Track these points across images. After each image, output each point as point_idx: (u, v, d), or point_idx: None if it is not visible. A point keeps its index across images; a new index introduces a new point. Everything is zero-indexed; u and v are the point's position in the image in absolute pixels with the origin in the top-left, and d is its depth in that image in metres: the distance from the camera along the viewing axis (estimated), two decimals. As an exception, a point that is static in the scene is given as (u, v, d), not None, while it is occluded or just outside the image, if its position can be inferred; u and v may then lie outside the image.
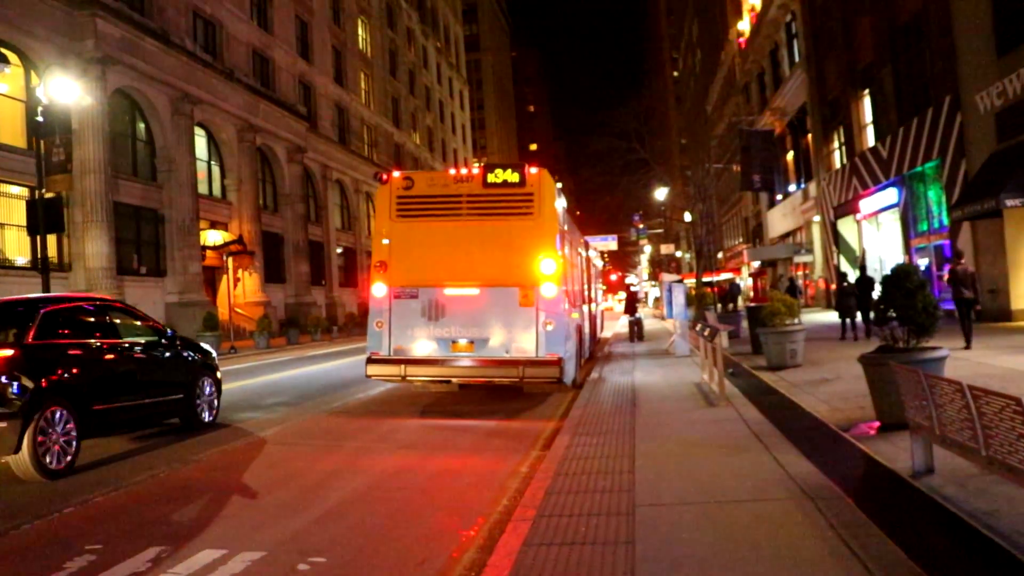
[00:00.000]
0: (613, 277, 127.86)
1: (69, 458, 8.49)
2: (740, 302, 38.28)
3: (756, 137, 39.29)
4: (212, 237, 40.12)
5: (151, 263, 35.87)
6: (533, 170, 12.01)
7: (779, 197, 45.53)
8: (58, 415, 8.38)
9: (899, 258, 30.10)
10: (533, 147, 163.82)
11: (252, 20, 45.08)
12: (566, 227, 13.84)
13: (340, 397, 14.57)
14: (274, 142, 45.61)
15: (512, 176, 11.80)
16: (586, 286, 19.32)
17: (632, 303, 32.86)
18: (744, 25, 50.77)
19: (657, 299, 77.37)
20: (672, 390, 12.44)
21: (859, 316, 19.32)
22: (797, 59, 38.62)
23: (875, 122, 29.81)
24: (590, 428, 9.09)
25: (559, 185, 12.64)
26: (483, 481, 7.39)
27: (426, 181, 12.45)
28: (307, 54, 52.19)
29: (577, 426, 9.31)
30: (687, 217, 68.34)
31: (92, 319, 9.84)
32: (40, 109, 21.50)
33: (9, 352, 8.09)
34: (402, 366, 11.85)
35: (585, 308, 18.13)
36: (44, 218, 21.55)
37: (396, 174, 12.48)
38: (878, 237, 31.71)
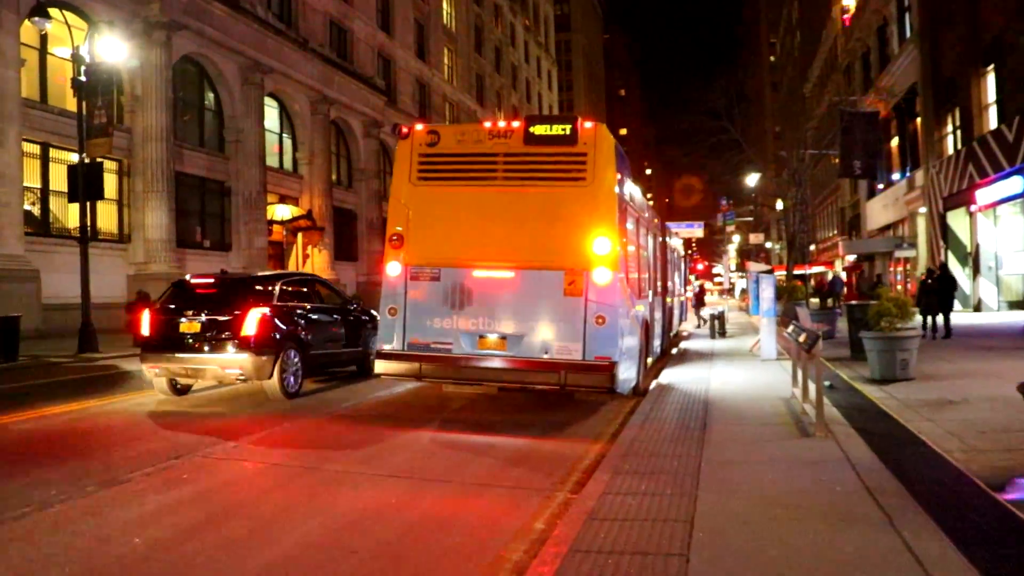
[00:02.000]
0: (700, 267, 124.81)
1: (298, 386, 12.15)
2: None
3: (859, 119, 35.93)
4: (280, 212, 38.94)
5: (215, 236, 34.83)
6: (588, 124, 9.69)
7: (880, 186, 42.19)
8: (292, 354, 11.96)
9: (1021, 256, 26.97)
10: (623, 131, 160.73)
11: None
12: (630, 199, 11.56)
13: (363, 392, 12.76)
14: (350, 115, 44.20)
15: (561, 129, 9.52)
16: (659, 273, 16.96)
17: (700, 297, 31.15)
18: (849, 1, 47.40)
19: (744, 291, 74.12)
20: (754, 407, 10.05)
21: (940, 316, 19.03)
22: (908, 34, 35.38)
23: (999, 102, 26.60)
24: (641, 463, 6.89)
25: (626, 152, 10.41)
26: (474, 543, 5.26)
27: (455, 136, 10.29)
28: (388, 27, 50.62)
29: (625, 456, 7.12)
30: (779, 205, 65.03)
31: (306, 290, 13.53)
32: (84, 68, 20.20)
33: (266, 310, 11.60)
34: (418, 364, 9.86)
35: (657, 299, 15.82)
36: (84, 184, 20.27)
37: (419, 127, 10.36)
38: (995, 232, 28.49)
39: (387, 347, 10.06)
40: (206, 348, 11.30)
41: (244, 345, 11.19)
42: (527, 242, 9.62)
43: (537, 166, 9.67)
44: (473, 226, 9.87)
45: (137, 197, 29.70)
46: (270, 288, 12.17)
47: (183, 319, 11.51)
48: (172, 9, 29.96)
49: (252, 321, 11.31)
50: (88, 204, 27.25)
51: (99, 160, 21.43)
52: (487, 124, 10.08)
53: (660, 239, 17.44)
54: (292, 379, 11.92)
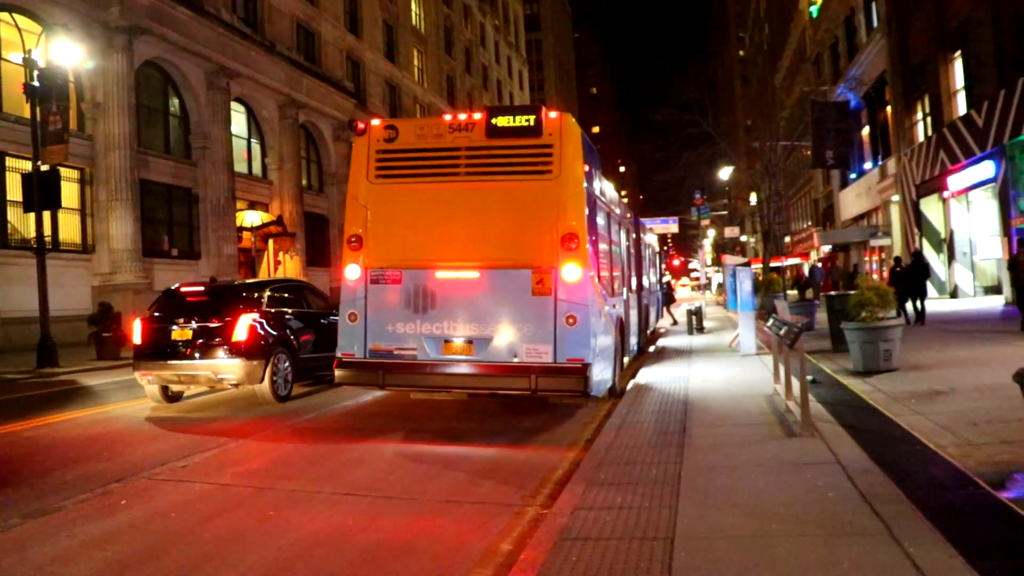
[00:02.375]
0: (676, 263, 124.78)
1: (288, 390, 12.36)
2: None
3: (829, 109, 35.80)
4: (250, 218, 38.13)
5: (184, 245, 34.03)
6: (553, 114, 9.17)
7: (852, 176, 42.09)
8: (282, 359, 12.20)
9: (994, 241, 26.80)
10: (596, 129, 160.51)
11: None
12: (601, 192, 11.07)
13: (348, 394, 12.32)
14: (319, 119, 43.48)
15: (524, 121, 8.98)
16: (634, 270, 16.47)
17: (670, 294, 30.98)
18: (817, -9, 47.35)
19: (720, 285, 74.01)
20: (736, 405, 9.61)
21: (909, 304, 19.19)
22: (876, 23, 35.23)
23: (968, 88, 26.38)
24: (617, 472, 6.43)
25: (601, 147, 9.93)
26: (435, 570, 4.78)
27: (414, 130, 9.65)
28: (356, 29, 49.96)
29: (600, 465, 6.66)
30: (752, 199, 65.03)
31: (294, 296, 13.80)
32: (36, 73, 19.53)
33: (256, 316, 11.84)
34: (380, 372, 9.29)
35: (632, 297, 15.35)
36: (40, 193, 19.59)
37: (376, 122, 9.79)
38: (968, 218, 28.32)
39: (347, 355, 9.49)
40: (198, 354, 11.51)
41: (235, 351, 11.46)
42: (493, 240, 9.14)
43: (501, 160, 9.17)
44: (435, 225, 9.37)
45: (101, 206, 28.89)
46: (259, 295, 12.53)
47: (174, 327, 11.74)
48: (133, 13, 29.14)
49: (242, 327, 11.58)
50: (50, 214, 26.80)
51: (55, 167, 20.68)
52: (447, 117, 9.53)
53: (634, 235, 16.99)
54: (283, 383, 12.20)
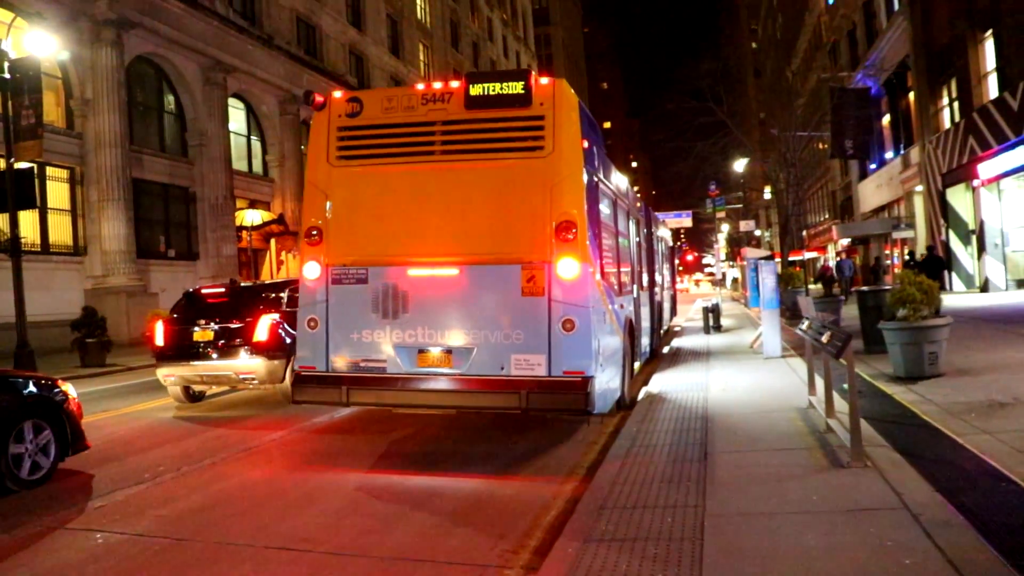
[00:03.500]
0: (689, 258, 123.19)
1: None
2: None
3: (849, 96, 34.34)
4: (251, 217, 37.00)
5: (181, 246, 32.93)
6: (544, 80, 7.74)
7: (872, 167, 40.58)
8: None
9: (1030, 231, 25.37)
10: (607, 124, 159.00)
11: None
12: (603, 174, 9.48)
13: (298, 419, 10.83)
14: (320, 115, 42.32)
15: (511, 88, 7.57)
16: (646, 264, 15.04)
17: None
18: (833, -24, 45.85)
19: (735, 280, 72.31)
20: (765, 422, 8.20)
21: None
22: (897, 5, 33.73)
23: (1000, 68, 24.92)
24: (622, 521, 5.10)
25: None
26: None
27: (381, 103, 8.19)
28: (359, 23, 48.71)
29: (602, 509, 5.34)
30: (767, 194, 63.42)
31: None
32: (7, 65, 18.35)
33: (276, 316, 11.85)
34: (343, 389, 7.89)
35: (643, 295, 13.94)
36: (13, 191, 18.42)
37: (338, 94, 8.38)
38: (999, 207, 26.81)
39: (306, 368, 8.10)
40: (219, 355, 11.68)
41: (257, 350, 11.56)
42: (474, 230, 7.79)
43: (484, 135, 7.81)
44: (407, 213, 8.00)
45: (92, 207, 27.86)
46: (279, 295, 12.59)
47: (196, 328, 11.89)
48: (122, 6, 28.04)
49: (264, 327, 11.67)
50: (38, 214, 25.86)
51: (30, 165, 19.53)
52: (420, 86, 8.10)
53: (645, 227, 15.61)
54: None
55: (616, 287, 9.88)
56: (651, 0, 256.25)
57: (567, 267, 7.43)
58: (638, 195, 15.88)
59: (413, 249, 7.94)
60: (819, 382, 8.20)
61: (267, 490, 7.04)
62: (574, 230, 7.46)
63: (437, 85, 8.02)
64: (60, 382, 8.08)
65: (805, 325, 8.51)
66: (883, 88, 36.64)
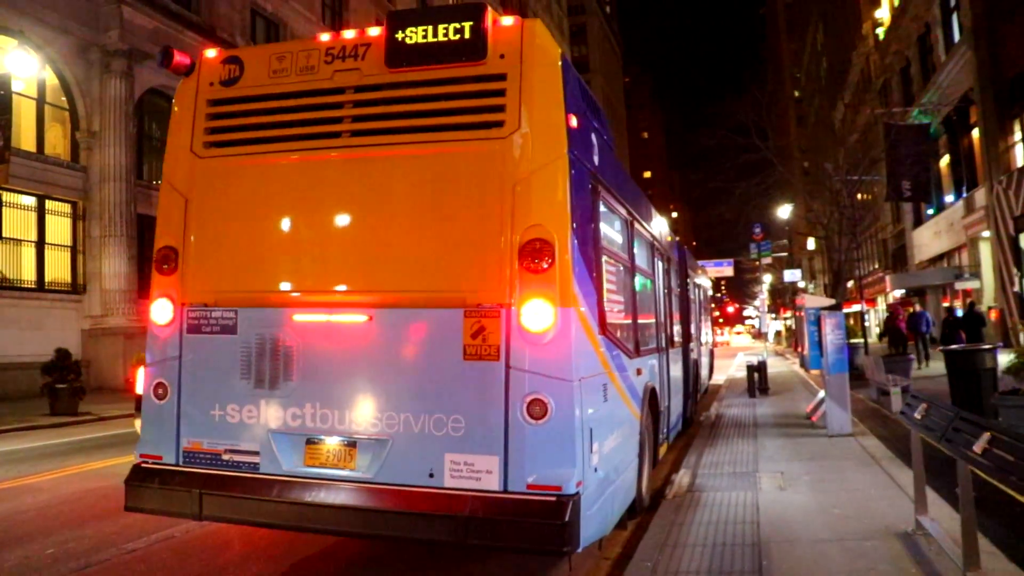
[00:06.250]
0: (730, 309, 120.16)
1: None
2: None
3: (906, 133, 31.90)
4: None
5: (190, 286, 31.26)
6: (508, 20, 5.11)
7: (929, 212, 37.94)
8: None
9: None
10: (647, 175, 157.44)
11: (323, 21, 40.39)
12: (604, 172, 6.14)
13: None
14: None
15: (453, 33, 5.00)
16: (678, 313, 12.12)
17: None
18: (883, 13, 43.70)
19: (778, 333, 69.26)
20: (852, 560, 5.43)
21: None
22: (958, 37, 31.42)
23: (1084, 98, 22.54)
24: None
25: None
26: None
27: (268, 63, 5.58)
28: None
29: None
30: (810, 244, 60.73)
31: None
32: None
33: None
34: (195, 493, 5.24)
35: (675, 352, 10.99)
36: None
37: (211, 52, 5.80)
38: (1084, 253, 24.21)
39: (150, 458, 5.58)
40: None
41: None
42: (395, 254, 5.21)
43: (414, 106, 5.23)
44: (298, 227, 5.48)
45: (94, 243, 26.56)
46: None
47: None
48: (133, 37, 26.85)
49: None
50: (35, 250, 24.39)
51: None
52: (324, 37, 5.56)
53: (679, 268, 12.84)
54: None
55: (631, 344, 7.15)
56: (691, 40, 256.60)
57: (537, 313, 4.78)
58: (674, 235, 13.46)
59: (303, 282, 5.41)
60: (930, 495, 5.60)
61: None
62: (549, 253, 4.82)
63: (349, 34, 5.49)
64: None
65: (917, 413, 5.78)
66: (941, 126, 34.22)
